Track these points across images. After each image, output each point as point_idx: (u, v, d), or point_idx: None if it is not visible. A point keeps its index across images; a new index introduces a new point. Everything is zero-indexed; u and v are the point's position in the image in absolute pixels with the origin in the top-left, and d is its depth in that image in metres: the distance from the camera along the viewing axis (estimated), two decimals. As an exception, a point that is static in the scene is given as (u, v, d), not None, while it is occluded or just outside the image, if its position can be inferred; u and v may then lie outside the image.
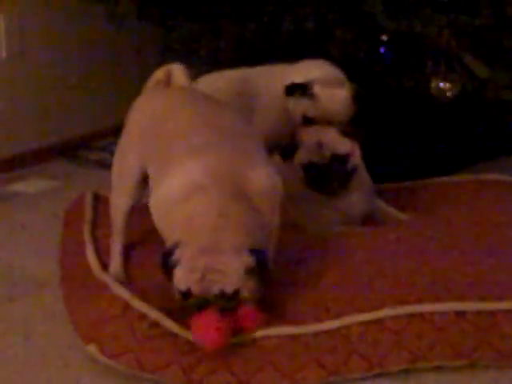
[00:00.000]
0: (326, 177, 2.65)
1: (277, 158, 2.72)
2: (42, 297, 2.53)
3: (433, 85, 2.87)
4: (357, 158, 2.68)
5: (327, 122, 2.71)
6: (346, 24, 3.00)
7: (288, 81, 2.77)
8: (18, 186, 3.60)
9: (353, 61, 3.03)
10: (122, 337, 2.02)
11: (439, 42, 2.83)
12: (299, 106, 2.74)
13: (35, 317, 2.40)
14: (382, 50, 3.13)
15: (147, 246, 2.49)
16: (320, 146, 2.63)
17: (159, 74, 2.45)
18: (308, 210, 2.73)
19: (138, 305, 2.07)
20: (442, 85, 2.86)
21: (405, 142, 3.20)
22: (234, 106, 2.82)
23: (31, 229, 3.09)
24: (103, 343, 2.03)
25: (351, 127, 2.69)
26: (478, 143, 3.38)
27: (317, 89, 2.72)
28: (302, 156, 2.66)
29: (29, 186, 3.61)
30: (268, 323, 2.01)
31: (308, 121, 2.73)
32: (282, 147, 2.70)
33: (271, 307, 2.08)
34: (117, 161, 2.40)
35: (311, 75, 2.75)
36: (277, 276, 2.15)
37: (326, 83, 2.73)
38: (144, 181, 2.29)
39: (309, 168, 2.65)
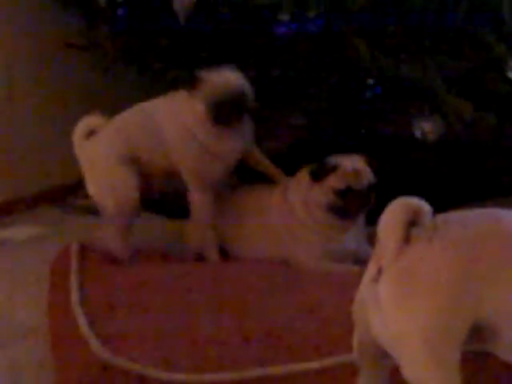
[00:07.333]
0: (363, 203, 2.69)
1: (302, 176, 2.75)
2: (30, 344, 2.50)
3: (415, 126, 2.89)
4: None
5: None
6: (332, 69, 3.03)
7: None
8: (6, 233, 3.58)
9: (340, 105, 3.06)
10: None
11: (425, 84, 2.86)
12: None
13: (23, 364, 2.38)
14: (369, 94, 3.15)
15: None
16: (358, 173, 2.68)
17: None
18: (305, 241, 2.76)
19: (119, 362, 2.03)
20: (425, 126, 2.89)
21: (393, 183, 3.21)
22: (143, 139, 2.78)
23: (19, 276, 3.07)
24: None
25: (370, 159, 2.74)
26: (468, 184, 3.38)
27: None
28: (337, 180, 2.68)
29: (17, 232, 3.60)
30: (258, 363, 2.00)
31: None
32: (313, 168, 2.72)
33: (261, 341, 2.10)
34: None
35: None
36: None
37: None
38: None
39: (345, 193, 2.67)
